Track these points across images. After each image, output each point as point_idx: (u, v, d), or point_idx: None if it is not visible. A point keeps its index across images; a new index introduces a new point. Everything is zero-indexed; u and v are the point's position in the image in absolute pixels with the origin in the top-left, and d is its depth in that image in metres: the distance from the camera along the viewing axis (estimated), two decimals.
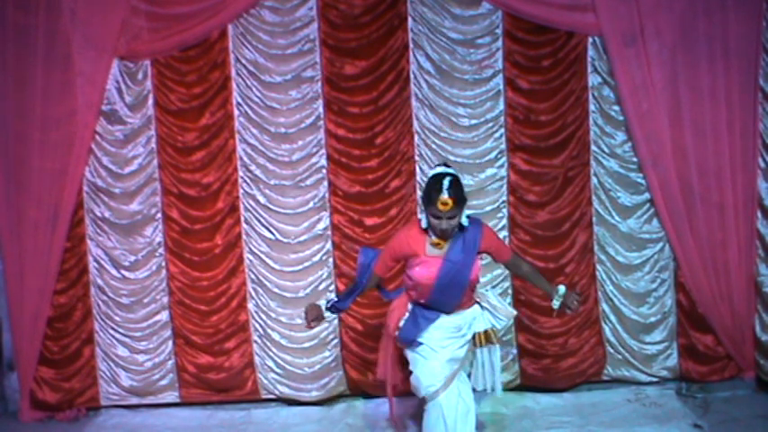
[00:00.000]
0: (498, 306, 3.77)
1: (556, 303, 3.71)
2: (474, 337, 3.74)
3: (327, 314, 3.78)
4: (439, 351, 3.65)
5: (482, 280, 4.32)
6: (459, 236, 3.57)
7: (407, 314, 3.72)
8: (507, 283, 4.82)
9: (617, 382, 4.89)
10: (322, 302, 3.76)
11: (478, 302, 3.77)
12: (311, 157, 4.83)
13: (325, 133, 4.80)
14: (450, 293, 3.62)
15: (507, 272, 4.78)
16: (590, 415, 4.55)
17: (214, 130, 4.81)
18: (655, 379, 4.85)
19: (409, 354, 3.75)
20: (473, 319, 3.74)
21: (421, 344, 3.67)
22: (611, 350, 4.87)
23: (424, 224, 3.58)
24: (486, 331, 3.74)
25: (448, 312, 3.68)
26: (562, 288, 3.70)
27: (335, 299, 3.79)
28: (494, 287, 4.59)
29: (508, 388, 4.84)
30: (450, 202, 3.39)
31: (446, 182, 3.41)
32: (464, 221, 3.53)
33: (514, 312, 3.90)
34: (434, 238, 3.56)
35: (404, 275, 3.78)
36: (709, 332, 4.77)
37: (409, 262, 3.65)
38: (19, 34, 4.63)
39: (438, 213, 3.44)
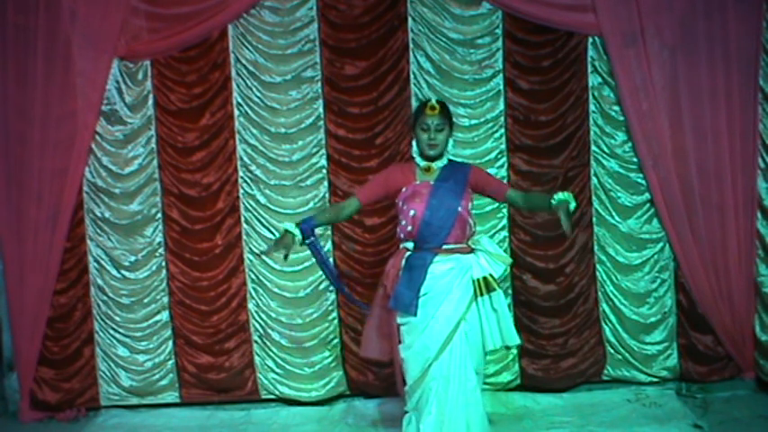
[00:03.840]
0: (493, 252, 3.70)
1: (554, 200, 3.52)
2: (474, 288, 3.63)
3: (297, 238, 3.55)
4: (434, 316, 3.58)
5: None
6: (448, 168, 3.70)
7: (401, 269, 3.67)
8: (507, 284, 4.82)
9: (617, 382, 4.88)
10: (294, 231, 3.55)
11: (473, 250, 3.70)
12: (311, 158, 4.83)
13: (326, 133, 4.81)
14: (441, 217, 3.61)
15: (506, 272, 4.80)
16: (590, 415, 4.55)
17: (214, 130, 4.82)
18: (655, 379, 4.85)
19: (403, 331, 3.69)
20: (470, 266, 3.65)
21: (416, 314, 3.60)
22: (611, 350, 4.87)
23: (414, 148, 3.73)
24: (484, 278, 3.63)
25: (439, 246, 3.62)
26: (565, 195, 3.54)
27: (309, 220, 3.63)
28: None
29: (508, 388, 4.85)
30: (437, 106, 3.64)
31: (434, 98, 3.79)
32: (450, 148, 3.63)
33: (510, 259, 3.83)
34: (424, 164, 3.68)
35: (398, 217, 3.75)
36: (709, 332, 4.77)
37: (401, 195, 3.69)
38: (19, 34, 4.63)
39: (426, 123, 3.64)
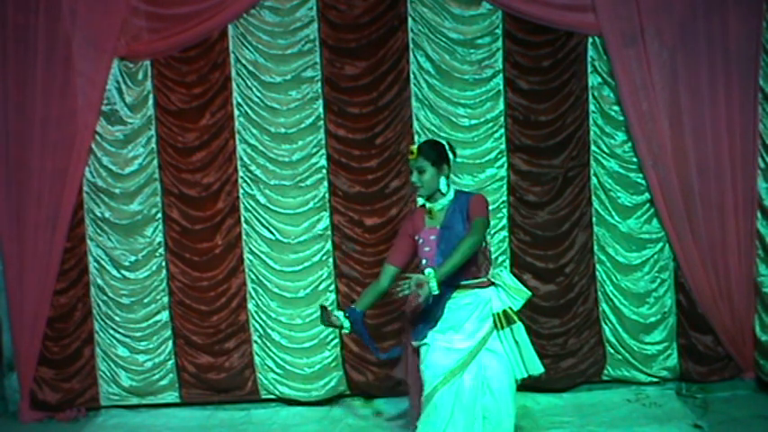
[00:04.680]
0: (512, 285, 3.68)
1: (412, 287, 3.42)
2: (494, 321, 3.61)
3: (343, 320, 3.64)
4: (450, 341, 3.58)
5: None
6: (452, 207, 3.65)
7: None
8: None
9: (617, 382, 4.88)
10: (339, 314, 3.64)
11: (493, 284, 3.67)
12: (311, 158, 4.84)
13: (326, 133, 4.81)
14: None
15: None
16: (590, 415, 4.55)
17: (214, 130, 4.82)
18: (655, 379, 4.85)
19: (421, 349, 3.67)
20: (489, 299, 3.63)
21: (429, 335, 3.60)
22: (611, 350, 4.87)
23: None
24: (504, 311, 3.61)
25: (458, 284, 3.61)
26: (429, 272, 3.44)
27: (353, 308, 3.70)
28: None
29: None
30: (414, 150, 3.62)
31: (422, 140, 3.82)
32: (443, 188, 3.60)
33: (529, 292, 3.74)
34: (427, 206, 3.67)
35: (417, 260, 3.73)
36: (709, 332, 4.76)
37: (416, 241, 3.69)
38: (19, 34, 4.64)
39: (410, 166, 3.66)
